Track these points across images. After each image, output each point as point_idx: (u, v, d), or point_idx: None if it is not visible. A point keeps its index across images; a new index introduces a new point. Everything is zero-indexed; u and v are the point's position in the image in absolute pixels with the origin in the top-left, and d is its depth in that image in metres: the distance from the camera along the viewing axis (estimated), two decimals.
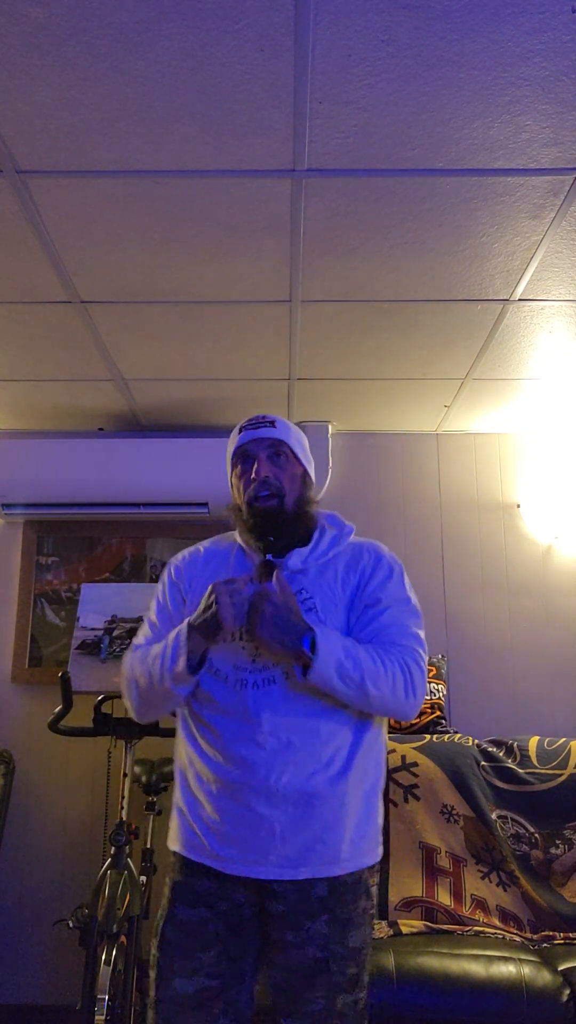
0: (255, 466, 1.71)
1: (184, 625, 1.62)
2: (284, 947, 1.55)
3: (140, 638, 1.79)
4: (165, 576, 1.83)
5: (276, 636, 1.52)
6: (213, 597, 1.58)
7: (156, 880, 2.70)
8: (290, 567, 1.68)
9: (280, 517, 1.68)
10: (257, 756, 1.53)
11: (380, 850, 1.67)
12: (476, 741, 2.98)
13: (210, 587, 1.60)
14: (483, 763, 2.90)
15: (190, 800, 1.63)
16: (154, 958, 1.60)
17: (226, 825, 1.55)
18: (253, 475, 1.70)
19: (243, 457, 1.74)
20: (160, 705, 1.71)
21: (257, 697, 1.57)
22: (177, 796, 1.69)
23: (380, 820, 1.67)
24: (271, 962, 1.59)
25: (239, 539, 1.78)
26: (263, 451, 1.72)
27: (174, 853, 1.66)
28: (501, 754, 2.94)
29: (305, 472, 1.79)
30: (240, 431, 1.77)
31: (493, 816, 2.78)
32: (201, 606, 1.61)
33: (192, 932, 1.57)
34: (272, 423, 1.76)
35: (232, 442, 1.78)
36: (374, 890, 1.68)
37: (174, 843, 1.66)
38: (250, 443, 1.73)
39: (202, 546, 1.85)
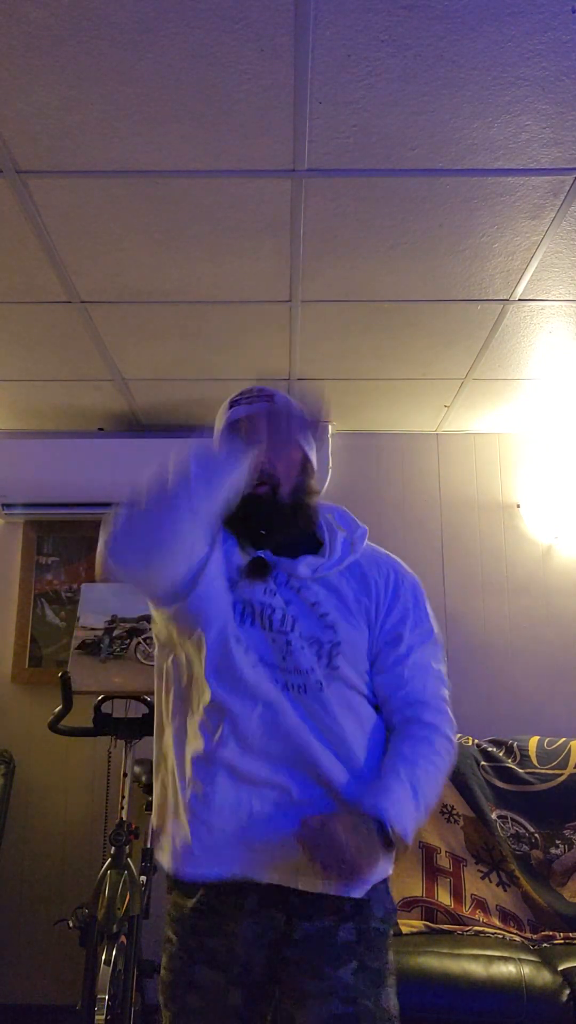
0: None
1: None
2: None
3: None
4: None
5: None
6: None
7: (156, 880, 2.71)
8: (300, 574, 1.44)
9: (273, 508, 1.45)
10: None
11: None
12: (476, 741, 2.98)
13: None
14: (483, 763, 2.90)
15: None
16: None
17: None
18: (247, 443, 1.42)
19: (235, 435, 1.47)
20: (169, 523, 1.33)
21: None
22: None
23: None
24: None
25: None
26: None
27: None
28: (501, 754, 2.94)
29: (306, 457, 1.52)
30: (231, 405, 1.52)
31: (493, 816, 2.78)
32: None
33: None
34: (270, 397, 1.49)
35: (220, 417, 1.53)
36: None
37: None
38: (243, 419, 1.47)
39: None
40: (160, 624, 1.52)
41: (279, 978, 1.35)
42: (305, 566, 1.45)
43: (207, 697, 1.37)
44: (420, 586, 1.54)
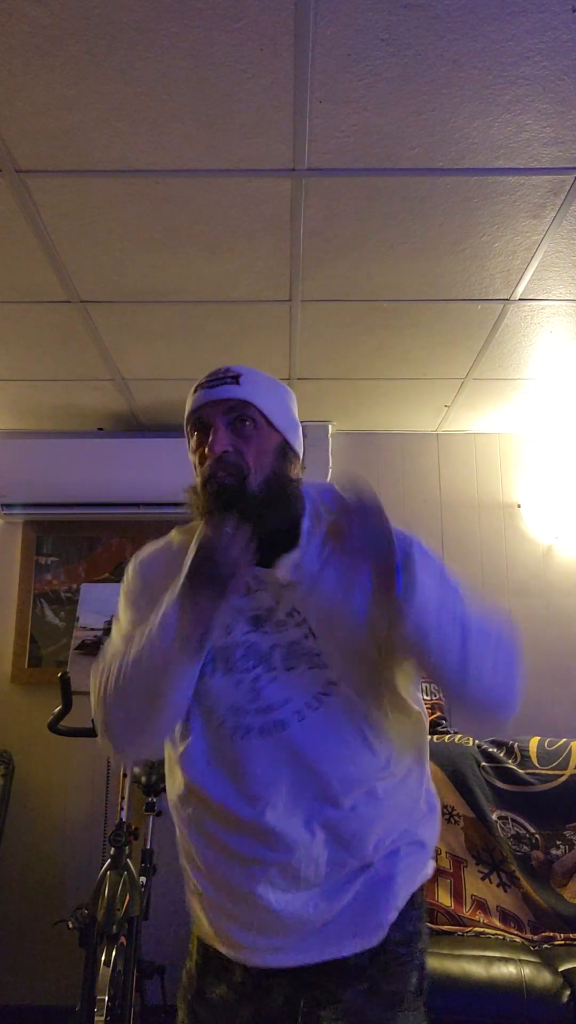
0: (211, 437, 1.29)
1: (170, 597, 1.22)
2: None
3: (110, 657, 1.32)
4: (136, 581, 1.39)
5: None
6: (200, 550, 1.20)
7: (155, 881, 2.70)
8: (280, 579, 1.28)
9: (241, 501, 1.25)
10: None
11: None
12: (476, 741, 2.98)
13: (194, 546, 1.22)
14: (483, 763, 2.90)
15: None
16: None
17: None
18: (207, 449, 1.29)
19: (199, 425, 1.33)
20: (150, 708, 1.24)
21: None
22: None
23: None
24: None
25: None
26: (221, 417, 1.30)
27: None
28: (501, 754, 2.94)
29: (284, 442, 1.34)
30: (195, 390, 1.34)
31: (493, 817, 2.78)
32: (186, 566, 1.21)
33: None
34: (235, 378, 1.31)
35: (187, 404, 1.37)
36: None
37: None
38: (206, 406, 1.31)
39: (174, 539, 1.43)
40: None
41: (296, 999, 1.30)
42: (285, 568, 1.28)
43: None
44: (423, 544, 1.32)
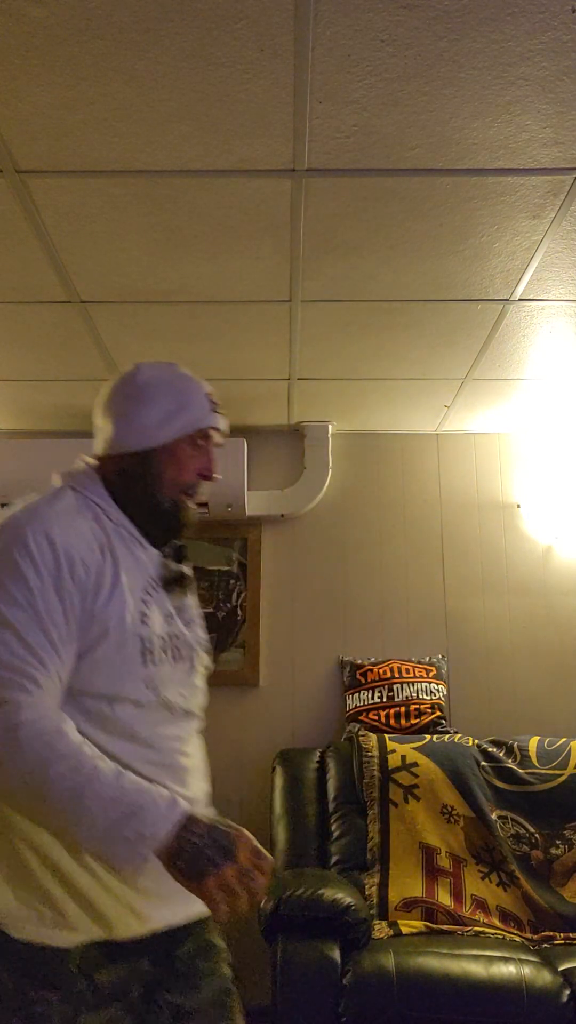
0: (214, 459, 1.39)
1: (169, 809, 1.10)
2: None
3: (23, 671, 1.11)
4: (60, 559, 1.19)
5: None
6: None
7: None
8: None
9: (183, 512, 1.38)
10: None
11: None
12: (476, 741, 2.98)
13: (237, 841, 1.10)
14: (483, 763, 2.90)
15: None
16: None
17: None
18: (211, 469, 1.38)
19: (206, 439, 1.38)
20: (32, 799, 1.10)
21: None
22: None
23: None
24: None
25: (121, 517, 1.32)
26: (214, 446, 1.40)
27: None
28: (501, 754, 2.94)
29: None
30: (210, 399, 1.41)
31: (493, 816, 2.78)
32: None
33: None
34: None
35: (200, 404, 1.38)
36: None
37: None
38: (219, 430, 1.41)
39: (86, 521, 1.28)
40: None
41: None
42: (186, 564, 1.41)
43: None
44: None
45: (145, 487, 1.33)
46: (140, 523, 1.34)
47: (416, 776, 2.83)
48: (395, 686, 3.19)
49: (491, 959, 2.27)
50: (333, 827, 2.85)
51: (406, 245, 2.16)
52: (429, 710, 3.14)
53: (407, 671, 3.23)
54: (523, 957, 2.30)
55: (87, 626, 1.19)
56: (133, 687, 1.22)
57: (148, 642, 1.25)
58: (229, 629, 3.41)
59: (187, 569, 1.41)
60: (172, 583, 1.36)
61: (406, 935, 2.45)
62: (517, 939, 2.50)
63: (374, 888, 2.64)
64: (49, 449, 3.27)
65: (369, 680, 3.23)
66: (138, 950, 1.22)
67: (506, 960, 2.27)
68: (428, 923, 2.54)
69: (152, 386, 1.39)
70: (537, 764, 2.89)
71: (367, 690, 3.21)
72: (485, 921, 2.58)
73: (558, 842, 2.75)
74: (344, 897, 2.31)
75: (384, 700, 3.17)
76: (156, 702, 1.25)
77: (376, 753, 2.90)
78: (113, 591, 1.23)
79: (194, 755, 1.33)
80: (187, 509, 1.37)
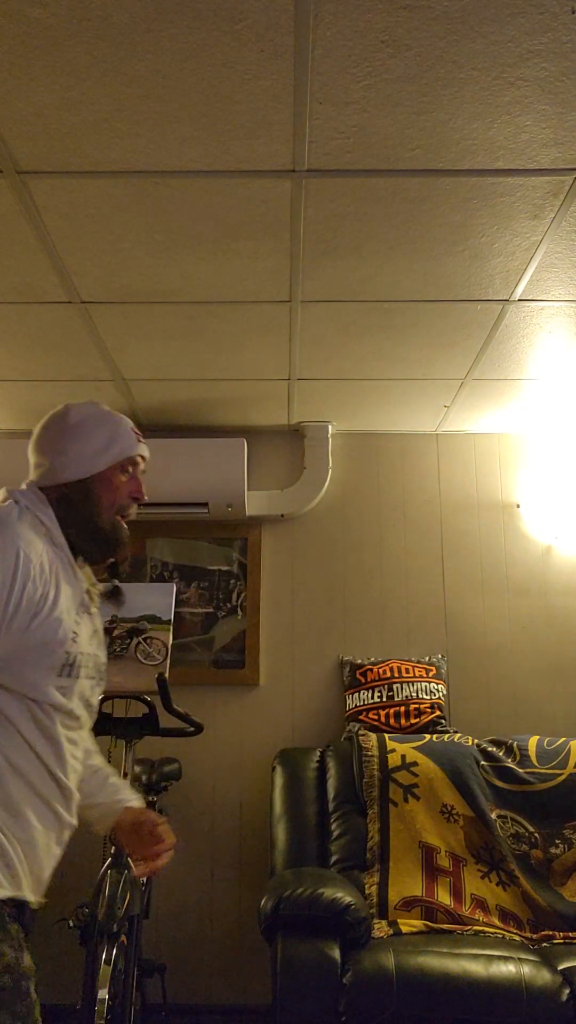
0: (141, 482, 1.57)
1: None
2: None
3: None
4: (29, 566, 1.33)
5: None
6: None
7: (156, 879, 2.70)
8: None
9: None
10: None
11: None
12: (476, 741, 2.99)
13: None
14: (483, 763, 2.90)
15: None
16: None
17: None
18: (140, 490, 1.56)
19: (134, 466, 1.56)
20: None
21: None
22: None
23: None
24: None
25: (63, 540, 1.46)
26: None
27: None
28: (501, 754, 2.94)
29: None
30: (134, 431, 1.58)
31: (493, 816, 2.78)
32: None
33: None
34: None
35: (127, 435, 1.56)
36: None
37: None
38: (143, 457, 1.58)
39: (40, 541, 1.42)
40: None
41: None
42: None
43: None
44: None
45: (85, 511, 1.50)
46: (80, 544, 1.49)
47: (416, 775, 2.83)
48: (395, 686, 3.19)
49: (491, 958, 2.27)
50: (333, 826, 2.86)
51: (406, 245, 2.16)
52: (429, 710, 3.14)
53: (407, 671, 3.23)
54: (523, 956, 2.30)
55: (20, 635, 1.33)
56: (54, 694, 1.39)
57: (73, 657, 1.41)
58: (229, 629, 3.41)
59: (120, 584, 1.60)
60: (108, 596, 1.56)
61: (406, 934, 2.46)
62: (517, 938, 2.50)
63: (374, 887, 2.64)
64: None
65: (369, 680, 3.23)
66: (29, 913, 1.41)
67: (506, 959, 2.27)
68: (428, 922, 2.54)
69: (85, 423, 1.56)
70: (537, 764, 2.89)
71: (367, 690, 3.21)
72: (485, 920, 2.58)
73: (557, 841, 2.75)
74: (344, 896, 2.32)
75: (384, 700, 3.18)
76: (70, 709, 1.41)
77: (376, 753, 2.91)
78: (53, 609, 1.36)
79: (80, 759, 1.52)
80: (123, 529, 1.55)
